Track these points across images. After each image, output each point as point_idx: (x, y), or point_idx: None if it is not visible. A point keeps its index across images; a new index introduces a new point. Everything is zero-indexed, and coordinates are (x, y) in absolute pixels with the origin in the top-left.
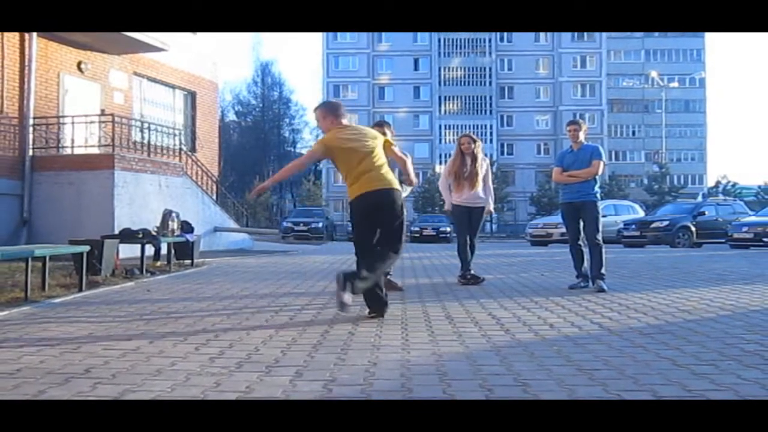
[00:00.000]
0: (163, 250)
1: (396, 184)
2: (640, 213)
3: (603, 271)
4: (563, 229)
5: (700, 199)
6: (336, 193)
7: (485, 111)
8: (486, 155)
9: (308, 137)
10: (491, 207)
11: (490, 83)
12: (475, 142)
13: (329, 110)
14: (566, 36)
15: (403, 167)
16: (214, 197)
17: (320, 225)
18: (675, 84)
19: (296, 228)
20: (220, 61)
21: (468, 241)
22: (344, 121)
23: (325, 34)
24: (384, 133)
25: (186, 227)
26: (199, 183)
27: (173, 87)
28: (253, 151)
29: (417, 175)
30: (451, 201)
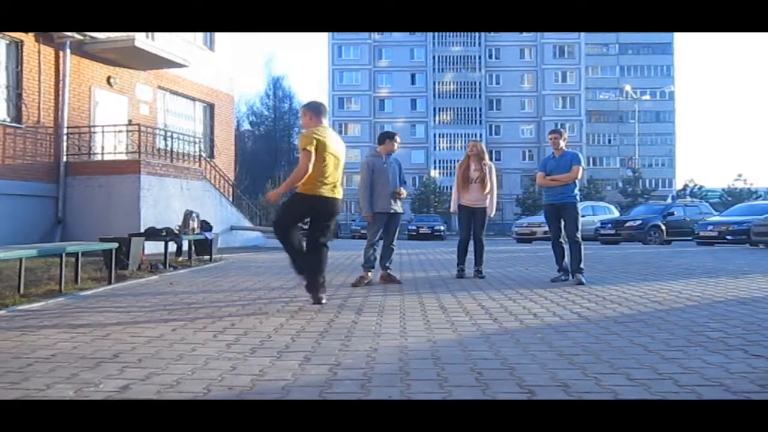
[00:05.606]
0: (185, 247)
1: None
2: (616, 213)
3: (582, 265)
4: (546, 228)
5: (669, 200)
6: None
7: (475, 121)
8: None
9: None
10: (492, 211)
11: (480, 96)
12: (479, 147)
13: (314, 111)
14: (549, 53)
15: None
16: (231, 199)
17: None
18: (647, 97)
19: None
20: (236, 76)
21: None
22: (324, 122)
23: (330, 51)
24: (391, 144)
25: (205, 226)
26: (217, 186)
27: (194, 99)
28: (265, 158)
29: (413, 179)
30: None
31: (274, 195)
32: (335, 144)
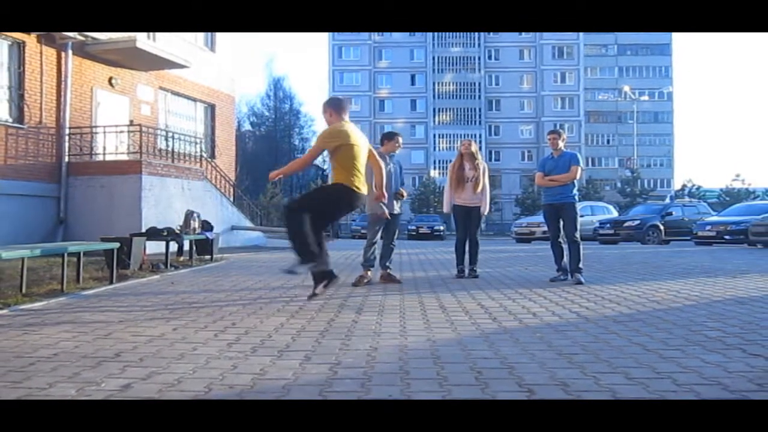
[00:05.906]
0: (186, 247)
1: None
2: (614, 213)
3: (580, 265)
4: (545, 228)
5: (667, 200)
6: None
7: (475, 122)
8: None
9: None
10: (486, 209)
11: (480, 97)
12: (471, 145)
13: (334, 108)
14: (548, 54)
15: (378, 172)
16: (232, 199)
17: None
18: (645, 97)
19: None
20: (237, 77)
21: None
22: (346, 117)
23: (330, 52)
24: (393, 144)
25: (206, 226)
26: (218, 186)
27: (195, 100)
28: (266, 158)
29: (413, 179)
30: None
31: (275, 174)
32: (361, 141)
